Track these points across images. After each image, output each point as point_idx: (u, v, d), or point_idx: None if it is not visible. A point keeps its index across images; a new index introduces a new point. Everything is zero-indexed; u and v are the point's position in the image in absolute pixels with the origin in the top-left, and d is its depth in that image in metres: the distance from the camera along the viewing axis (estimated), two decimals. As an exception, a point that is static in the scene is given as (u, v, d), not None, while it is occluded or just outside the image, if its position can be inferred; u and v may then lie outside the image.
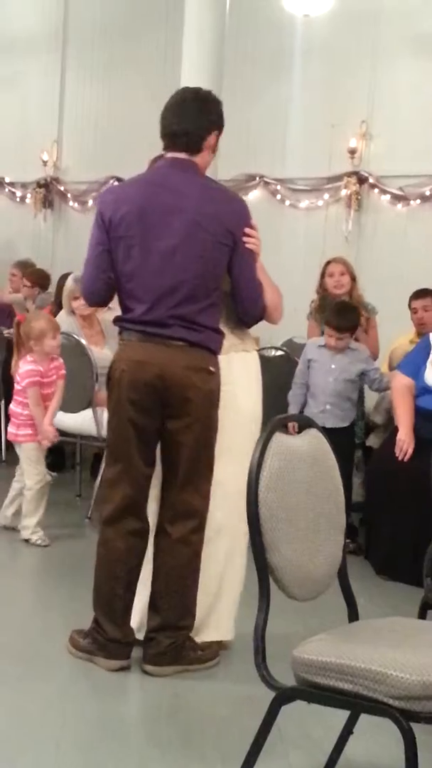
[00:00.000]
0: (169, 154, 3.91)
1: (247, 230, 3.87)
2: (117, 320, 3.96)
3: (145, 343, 3.81)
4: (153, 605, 3.90)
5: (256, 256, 3.93)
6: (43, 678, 3.79)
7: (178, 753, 3.22)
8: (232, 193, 4.09)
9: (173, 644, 3.84)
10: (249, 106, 9.58)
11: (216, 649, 4.01)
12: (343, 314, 6.08)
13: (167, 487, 3.89)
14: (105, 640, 3.87)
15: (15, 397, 5.78)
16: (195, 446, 3.82)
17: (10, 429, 5.77)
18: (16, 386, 5.76)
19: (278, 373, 6.76)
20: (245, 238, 3.87)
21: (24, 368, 5.69)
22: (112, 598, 3.87)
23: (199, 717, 3.53)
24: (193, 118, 3.87)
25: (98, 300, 4.08)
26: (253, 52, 9.67)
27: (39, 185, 11.09)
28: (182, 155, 3.88)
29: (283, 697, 2.46)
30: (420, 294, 6.67)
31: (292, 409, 6.09)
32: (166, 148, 3.93)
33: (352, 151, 9.22)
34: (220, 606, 4.05)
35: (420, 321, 6.63)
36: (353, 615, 2.80)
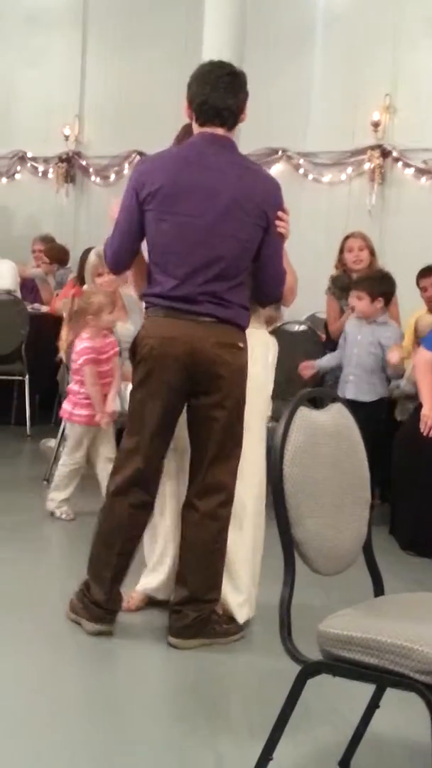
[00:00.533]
0: (207, 129, 3.88)
1: (279, 213, 3.88)
2: (144, 295, 3.96)
3: (175, 319, 3.80)
4: (181, 578, 3.93)
5: (282, 238, 3.94)
6: (67, 651, 3.83)
7: (204, 726, 3.24)
8: (267, 173, 4.07)
9: (199, 617, 3.88)
10: (271, 79, 9.51)
11: (241, 624, 4.03)
12: (366, 275, 6.14)
13: (197, 463, 3.91)
14: (89, 602, 3.94)
15: (72, 375, 5.71)
16: (227, 422, 3.84)
17: (65, 406, 5.69)
18: (73, 364, 5.67)
19: (301, 348, 6.77)
20: (277, 222, 3.87)
21: (80, 346, 5.58)
22: (104, 565, 3.93)
23: (225, 690, 3.56)
24: (234, 94, 3.89)
25: (122, 269, 4.11)
26: (275, 26, 9.60)
27: (61, 160, 11.07)
28: (220, 131, 3.87)
29: (309, 670, 2.47)
30: (427, 272, 6.57)
31: (318, 362, 6.34)
32: (203, 122, 3.89)
33: (376, 125, 9.16)
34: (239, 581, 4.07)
35: (430, 299, 6.56)
36: (379, 590, 2.80)
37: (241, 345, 3.85)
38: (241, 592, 4.06)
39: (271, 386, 4.16)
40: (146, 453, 3.87)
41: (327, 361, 6.29)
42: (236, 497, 3.97)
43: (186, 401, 3.87)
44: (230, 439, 3.88)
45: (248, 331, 3.95)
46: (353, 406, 2.86)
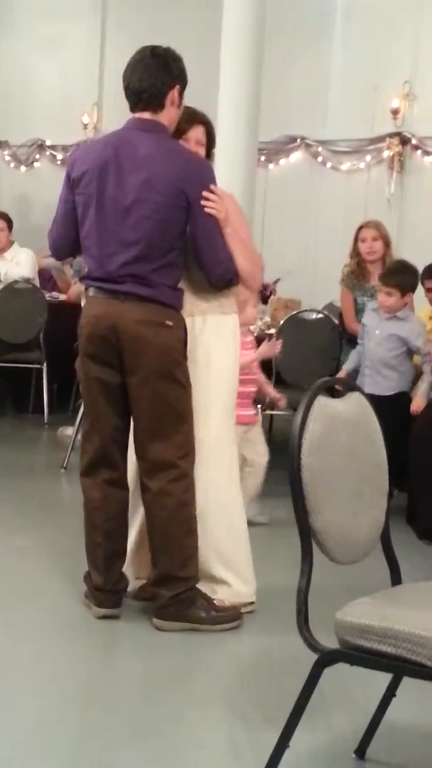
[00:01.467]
0: (135, 114, 3.95)
1: (204, 193, 3.84)
2: (81, 278, 4.11)
3: (101, 298, 3.92)
4: (153, 561, 4.00)
5: (215, 219, 3.88)
6: (82, 639, 3.85)
7: (219, 713, 3.25)
8: (192, 154, 4.01)
9: (175, 597, 3.89)
10: (290, 68, 9.51)
11: (235, 612, 4.03)
12: (393, 269, 6.06)
13: (136, 441, 3.98)
14: (91, 587, 4.04)
15: None
16: (153, 399, 3.87)
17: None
18: None
19: (319, 337, 6.76)
20: (204, 202, 3.84)
21: None
22: (94, 547, 4.03)
23: (240, 678, 3.56)
24: (153, 75, 3.89)
25: (62, 256, 4.29)
26: (294, 13, 9.56)
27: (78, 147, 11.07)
28: (146, 115, 3.92)
29: (326, 659, 2.47)
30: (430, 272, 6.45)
31: (345, 366, 6.27)
32: (131, 108, 3.96)
33: (395, 112, 9.12)
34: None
35: None
36: (396, 579, 2.79)
37: (168, 323, 3.86)
38: (221, 577, 4.08)
39: (232, 371, 4.15)
40: (101, 431, 3.99)
41: (352, 362, 6.21)
42: (204, 482, 4.00)
43: (123, 378, 3.93)
44: (164, 415, 3.87)
45: (206, 317, 4.03)
46: (370, 400, 2.85)
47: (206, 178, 3.89)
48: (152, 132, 3.90)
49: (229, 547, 4.09)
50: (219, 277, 3.96)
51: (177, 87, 3.93)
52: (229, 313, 4.12)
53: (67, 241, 4.10)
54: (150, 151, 3.84)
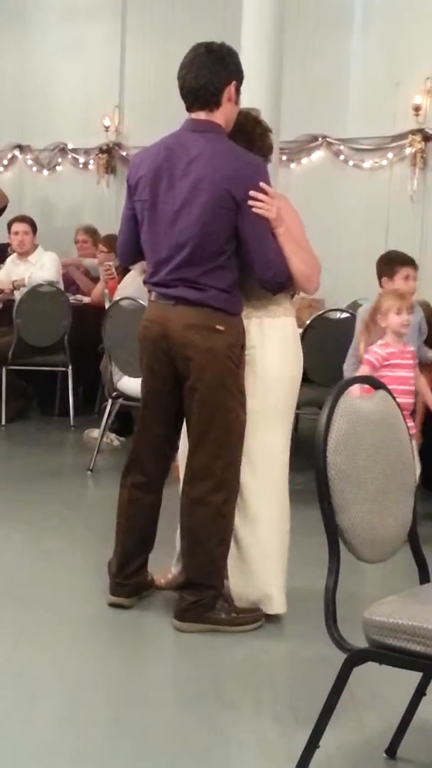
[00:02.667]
0: (191, 115, 3.91)
1: (252, 193, 3.75)
2: (145, 282, 4.12)
3: (155, 303, 3.94)
4: (182, 563, 4.03)
5: (265, 220, 3.79)
6: (110, 641, 3.86)
7: (250, 713, 3.25)
8: (243, 154, 3.86)
9: (197, 602, 3.90)
10: (311, 66, 9.47)
11: (258, 614, 4.01)
12: (401, 253, 6.01)
13: (189, 448, 3.96)
14: (108, 573, 4.15)
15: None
16: (202, 407, 3.84)
17: None
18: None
19: (344, 336, 6.72)
20: (251, 202, 3.75)
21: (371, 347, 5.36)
22: (117, 539, 4.14)
23: (271, 678, 3.56)
24: (209, 71, 3.82)
25: (127, 261, 4.29)
26: (314, 10, 9.54)
27: (101, 151, 11.08)
28: (202, 114, 3.87)
29: (355, 658, 2.47)
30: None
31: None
32: (187, 107, 3.92)
33: (417, 108, 9.07)
34: (262, 574, 4.04)
35: None
36: (424, 577, 2.78)
37: (219, 327, 3.80)
38: (255, 587, 4.03)
39: (291, 378, 4.08)
40: (140, 435, 4.08)
41: (353, 370, 6.11)
42: (248, 491, 3.99)
43: (176, 386, 3.93)
44: (211, 424, 3.85)
45: (260, 321, 3.98)
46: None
47: (255, 177, 3.78)
48: (206, 132, 3.84)
49: (276, 555, 4.06)
50: (270, 280, 3.87)
51: (234, 83, 3.87)
52: (280, 317, 4.03)
53: (129, 246, 4.11)
54: (200, 152, 3.79)
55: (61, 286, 8.38)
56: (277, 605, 4.02)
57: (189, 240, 3.78)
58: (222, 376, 3.82)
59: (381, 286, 5.84)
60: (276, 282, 3.89)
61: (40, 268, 8.31)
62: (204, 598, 3.90)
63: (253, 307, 4.00)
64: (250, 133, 4.05)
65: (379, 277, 5.86)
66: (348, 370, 5.69)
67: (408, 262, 5.87)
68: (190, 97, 3.87)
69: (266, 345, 3.99)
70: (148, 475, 4.06)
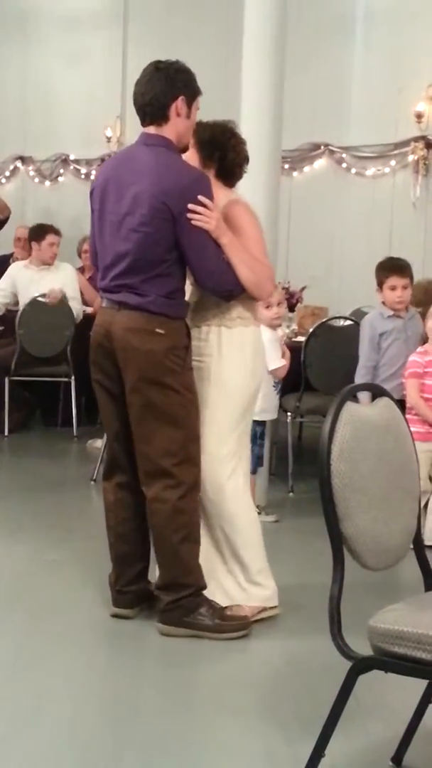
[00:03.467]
0: (143, 129, 4.02)
1: (190, 206, 3.82)
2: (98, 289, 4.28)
3: (104, 308, 4.06)
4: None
5: (204, 232, 3.85)
6: (115, 651, 3.85)
7: (255, 722, 3.24)
8: (183, 167, 3.95)
9: (176, 602, 3.94)
10: (313, 74, 9.49)
11: (244, 622, 4.00)
12: (395, 260, 6.01)
13: (137, 449, 4.01)
14: (110, 584, 4.18)
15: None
16: (142, 405, 3.92)
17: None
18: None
19: (347, 343, 6.72)
20: (190, 215, 3.82)
21: (410, 358, 5.48)
22: (109, 546, 4.19)
23: (276, 686, 3.55)
24: (153, 87, 3.95)
25: (96, 269, 4.26)
26: (315, 17, 9.55)
27: (103, 161, 11.10)
28: (152, 129, 3.97)
29: (360, 666, 2.46)
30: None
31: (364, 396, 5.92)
32: (141, 123, 4.04)
33: (419, 116, 9.08)
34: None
35: None
36: (429, 584, 2.77)
37: (159, 331, 3.88)
38: (256, 586, 4.09)
39: (245, 387, 4.09)
40: (109, 437, 4.18)
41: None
42: (207, 495, 4.03)
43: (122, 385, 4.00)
44: (157, 423, 3.91)
45: (219, 330, 4.04)
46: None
47: (192, 191, 3.84)
48: (154, 146, 3.94)
49: (245, 554, 4.08)
50: (212, 290, 3.98)
51: (181, 98, 3.95)
52: (237, 326, 4.08)
53: (93, 254, 4.20)
54: (145, 165, 3.91)
55: (79, 299, 8.35)
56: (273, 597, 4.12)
57: (130, 250, 3.89)
58: (162, 375, 3.89)
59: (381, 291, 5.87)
60: (219, 291, 3.99)
61: (67, 282, 8.26)
62: (180, 597, 3.93)
63: (213, 315, 4.08)
64: (224, 144, 4.14)
65: (379, 284, 5.90)
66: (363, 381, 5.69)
67: (396, 269, 5.88)
68: (140, 113, 4.02)
69: (222, 354, 4.06)
70: (128, 473, 4.10)
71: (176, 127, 3.97)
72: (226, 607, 4.01)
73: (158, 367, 3.88)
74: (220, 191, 4.06)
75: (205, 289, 4.01)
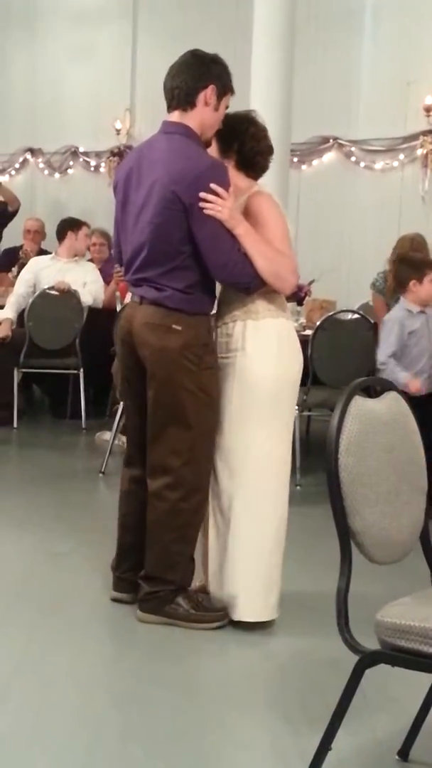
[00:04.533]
0: (167, 117, 3.94)
1: (202, 195, 3.71)
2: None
3: (129, 302, 4.15)
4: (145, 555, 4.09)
5: (218, 222, 3.74)
6: (122, 644, 3.87)
7: (262, 716, 3.24)
8: (195, 155, 3.81)
9: (154, 594, 3.99)
10: (322, 69, 9.49)
11: (218, 615, 3.97)
12: (421, 253, 6.00)
13: (148, 442, 4.01)
14: (111, 568, 4.26)
15: None
16: (156, 403, 3.90)
17: None
18: None
19: (355, 337, 6.73)
20: (202, 204, 3.72)
21: None
22: (117, 532, 4.25)
23: (282, 680, 3.55)
24: (186, 70, 3.89)
25: (120, 263, 4.23)
26: (324, 11, 9.54)
27: (113, 154, 11.11)
28: (175, 115, 3.90)
29: (367, 660, 2.46)
30: None
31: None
32: (167, 108, 3.96)
33: (428, 109, 9.07)
34: (242, 581, 3.95)
35: None
36: (436, 579, 2.78)
37: (175, 327, 3.83)
38: (221, 588, 4.00)
39: (276, 380, 3.93)
40: (129, 430, 4.23)
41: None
42: (223, 492, 3.96)
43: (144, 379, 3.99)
44: (167, 419, 3.90)
45: (244, 324, 3.92)
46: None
47: (203, 178, 3.72)
48: (173, 134, 3.86)
49: (249, 558, 3.95)
50: (228, 281, 3.89)
51: (212, 87, 3.85)
52: (263, 318, 3.94)
53: (119, 248, 4.16)
54: (161, 154, 3.83)
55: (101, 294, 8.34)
56: (242, 611, 3.94)
57: (145, 242, 3.84)
58: (175, 374, 3.84)
59: (405, 288, 5.81)
60: (235, 284, 3.89)
61: (88, 279, 8.27)
62: (159, 591, 3.97)
63: (237, 309, 3.96)
64: (243, 134, 4.01)
65: (407, 280, 5.81)
66: (393, 372, 5.63)
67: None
68: (168, 96, 3.93)
69: (247, 347, 3.92)
70: (141, 468, 4.08)
71: (202, 116, 3.87)
72: (205, 596, 4.03)
73: (172, 365, 3.84)
74: (241, 182, 3.98)
75: (220, 282, 3.92)
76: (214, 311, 4.06)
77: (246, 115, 4.10)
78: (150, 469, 3.99)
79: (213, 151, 4.01)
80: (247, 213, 3.87)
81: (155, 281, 3.86)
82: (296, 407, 4.16)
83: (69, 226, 8.44)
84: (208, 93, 3.86)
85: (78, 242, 8.38)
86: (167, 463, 3.92)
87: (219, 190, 3.72)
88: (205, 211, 3.73)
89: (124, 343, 4.01)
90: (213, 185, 3.71)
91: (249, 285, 3.85)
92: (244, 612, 3.93)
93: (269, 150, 4.09)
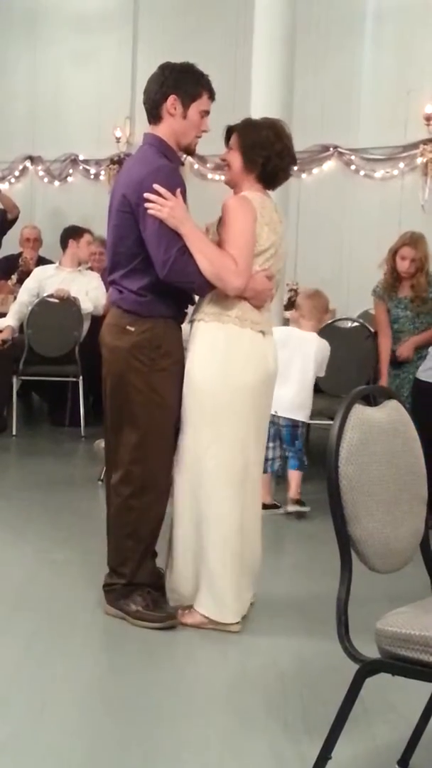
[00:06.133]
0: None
1: (145, 195, 3.82)
2: None
3: None
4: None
5: (159, 221, 3.83)
6: (120, 651, 3.85)
7: (262, 724, 3.23)
8: (149, 159, 3.96)
9: (111, 586, 4.15)
10: (322, 76, 9.50)
11: (162, 616, 4.03)
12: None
13: (105, 438, 4.22)
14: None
15: None
16: (110, 401, 4.10)
17: None
18: None
19: (355, 345, 6.73)
20: (146, 204, 3.83)
21: None
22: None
23: (282, 688, 3.54)
24: (149, 88, 4.06)
25: None
26: (325, 18, 9.56)
27: (113, 162, 11.12)
28: (149, 127, 4.09)
29: (367, 669, 2.45)
30: None
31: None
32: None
33: (428, 118, 9.08)
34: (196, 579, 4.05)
35: None
36: (437, 587, 2.77)
37: (129, 328, 3.97)
38: (176, 589, 4.08)
39: (213, 383, 3.93)
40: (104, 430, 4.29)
41: None
42: (177, 489, 4.04)
43: None
44: (119, 417, 4.06)
45: (196, 325, 3.99)
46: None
47: (147, 181, 3.84)
48: (143, 144, 4.06)
49: (212, 558, 3.99)
50: (171, 280, 3.89)
51: (172, 97, 3.98)
52: (212, 321, 3.97)
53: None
54: (128, 163, 4.09)
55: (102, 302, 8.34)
56: (197, 603, 4.04)
57: (110, 246, 4.06)
58: (126, 373, 3.98)
59: None
60: (179, 283, 3.92)
61: (91, 288, 8.26)
62: (114, 584, 4.12)
63: (195, 311, 4.07)
64: (269, 150, 4.03)
65: None
66: None
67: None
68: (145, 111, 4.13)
69: (193, 349, 4.00)
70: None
71: (170, 126, 4.02)
72: (165, 602, 4.09)
73: (123, 364, 3.98)
74: (253, 191, 4.03)
75: (164, 281, 3.90)
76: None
77: (273, 126, 4.10)
78: (109, 463, 4.19)
79: (235, 161, 4.07)
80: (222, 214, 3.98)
81: (118, 283, 4.03)
82: (272, 413, 4.17)
83: (71, 235, 8.44)
84: (169, 104, 4.01)
85: (80, 250, 8.38)
86: (120, 459, 4.06)
87: (161, 190, 3.82)
88: (149, 211, 3.84)
89: (101, 345, 4.16)
90: (156, 185, 3.82)
91: (192, 285, 3.93)
92: (198, 603, 4.03)
93: (292, 162, 4.14)
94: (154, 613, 4.03)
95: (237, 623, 4.01)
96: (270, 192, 4.15)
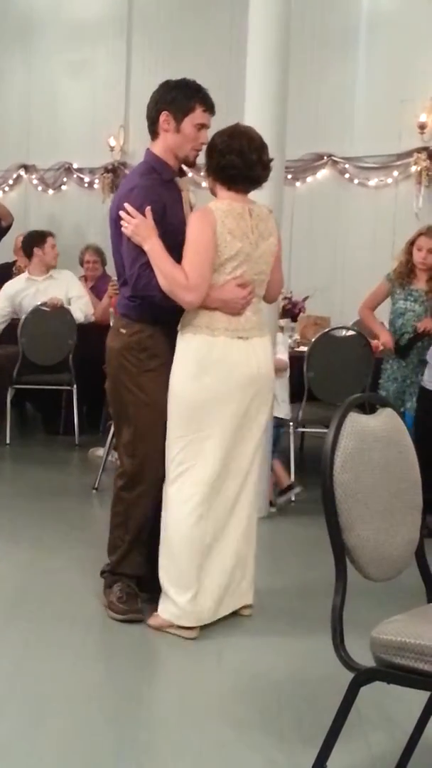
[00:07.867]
0: None
1: (121, 213, 4.05)
2: None
3: None
4: None
5: (126, 237, 4.04)
6: (115, 658, 3.84)
7: (257, 733, 3.23)
8: (132, 177, 4.24)
9: (103, 572, 4.40)
10: (316, 85, 9.51)
11: (122, 609, 4.18)
12: None
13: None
14: None
15: None
16: (108, 397, 4.39)
17: None
18: None
19: (350, 353, 6.73)
20: (121, 222, 4.04)
21: None
22: None
23: (278, 697, 3.54)
24: (148, 106, 4.23)
25: None
26: (320, 28, 9.57)
27: (107, 170, 11.12)
28: (150, 143, 4.25)
29: (362, 678, 2.45)
30: None
31: None
32: None
33: (422, 126, 9.09)
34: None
35: None
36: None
37: (122, 330, 4.21)
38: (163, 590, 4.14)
39: (191, 393, 4.02)
40: None
41: None
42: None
43: None
44: (117, 414, 4.31)
45: (178, 334, 4.08)
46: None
47: (122, 200, 4.08)
48: (141, 161, 4.25)
49: (167, 563, 4.10)
50: (140, 293, 4.07)
51: (164, 113, 4.13)
52: (186, 333, 4.06)
53: None
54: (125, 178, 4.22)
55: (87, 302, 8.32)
56: (161, 606, 4.12)
57: (112, 253, 4.28)
58: (118, 373, 4.22)
59: None
60: (145, 297, 4.06)
61: (70, 286, 8.26)
62: (105, 571, 4.37)
63: (181, 320, 4.12)
64: (211, 149, 4.11)
65: None
66: None
67: None
68: None
69: (174, 358, 4.11)
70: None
71: (165, 141, 4.17)
72: (142, 599, 4.23)
73: (115, 363, 4.21)
74: (222, 194, 4.08)
75: (134, 293, 4.11)
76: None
77: (231, 130, 4.13)
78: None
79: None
80: None
81: (119, 288, 4.30)
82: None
83: (35, 242, 8.36)
84: (162, 120, 4.15)
85: (46, 256, 8.32)
86: (119, 453, 4.32)
87: (130, 209, 4.02)
88: (122, 228, 4.04)
89: None
90: (126, 204, 4.03)
91: (154, 298, 4.03)
92: (161, 607, 4.10)
93: (254, 164, 4.06)
94: (121, 606, 4.20)
95: (191, 629, 4.02)
96: (260, 199, 4.16)
